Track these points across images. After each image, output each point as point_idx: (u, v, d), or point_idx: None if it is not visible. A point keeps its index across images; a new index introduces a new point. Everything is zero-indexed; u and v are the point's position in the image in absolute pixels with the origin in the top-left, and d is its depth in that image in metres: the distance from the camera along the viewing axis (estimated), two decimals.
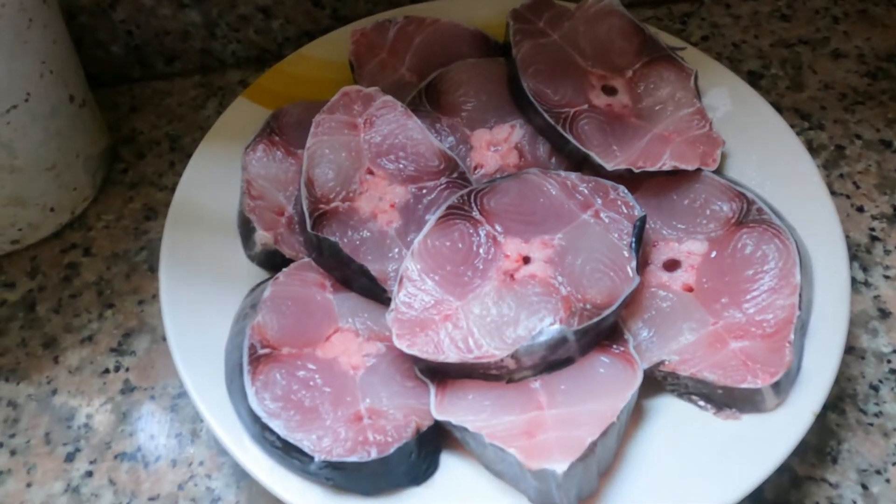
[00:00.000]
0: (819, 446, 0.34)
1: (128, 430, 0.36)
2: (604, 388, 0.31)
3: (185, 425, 0.36)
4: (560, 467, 0.27)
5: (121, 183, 0.45)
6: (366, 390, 0.31)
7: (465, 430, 0.30)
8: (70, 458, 0.35)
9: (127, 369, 0.38)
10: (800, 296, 0.33)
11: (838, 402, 0.36)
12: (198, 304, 0.35)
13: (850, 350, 0.37)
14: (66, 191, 0.42)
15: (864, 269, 0.40)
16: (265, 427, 0.29)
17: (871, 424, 0.35)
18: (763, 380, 0.30)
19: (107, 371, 0.38)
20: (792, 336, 0.32)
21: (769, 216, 0.36)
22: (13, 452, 0.35)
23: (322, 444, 0.29)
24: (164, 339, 0.39)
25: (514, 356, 0.31)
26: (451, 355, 0.31)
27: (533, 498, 0.29)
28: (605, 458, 0.30)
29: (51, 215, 0.42)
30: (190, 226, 0.38)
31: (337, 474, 0.29)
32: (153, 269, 0.41)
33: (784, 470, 0.34)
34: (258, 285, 0.36)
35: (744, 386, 0.31)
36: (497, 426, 0.30)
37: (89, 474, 0.35)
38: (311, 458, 0.28)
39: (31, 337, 0.39)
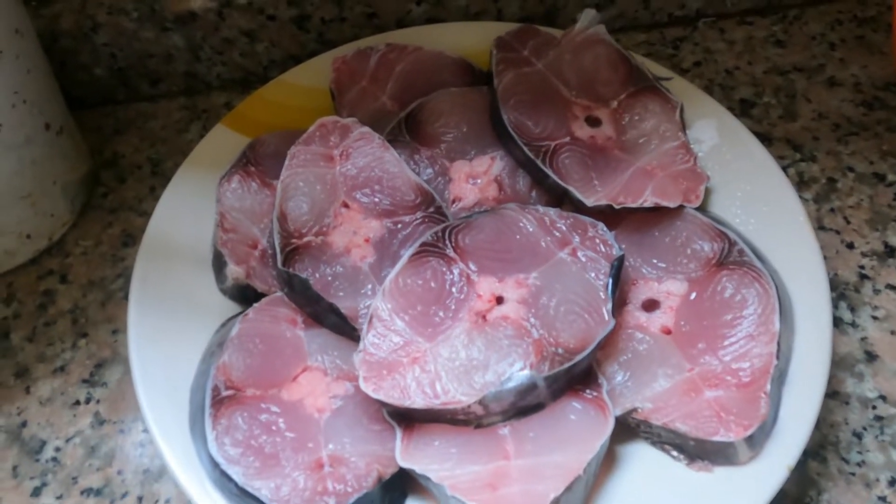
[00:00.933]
0: (798, 496, 0.33)
1: (95, 465, 0.36)
2: (574, 436, 0.30)
3: (154, 461, 0.36)
4: None
5: (101, 207, 0.45)
6: (329, 435, 0.31)
7: (429, 479, 0.29)
8: (37, 492, 0.35)
9: (98, 401, 0.38)
10: (778, 344, 0.32)
11: (820, 449, 0.35)
12: (167, 339, 0.34)
13: (834, 395, 0.36)
14: (44, 217, 0.41)
15: (852, 310, 0.39)
16: (223, 474, 0.29)
17: (853, 474, 0.34)
18: (736, 433, 0.30)
19: (77, 403, 0.38)
20: (768, 387, 0.31)
21: (750, 259, 0.35)
22: None
23: (280, 493, 0.28)
24: None
25: (481, 402, 0.31)
26: (417, 401, 0.31)
27: None
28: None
29: (27, 242, 0.41)
30: (163, 256, 0.37)
31: None
32: (128, 297, 0.41)
33: None
34: (228, 320, 0.35)
35: (716, 439, 0.30)
36: (461, 476, 0.29)
37: None
38: None
39: (4, 366, 0.39)
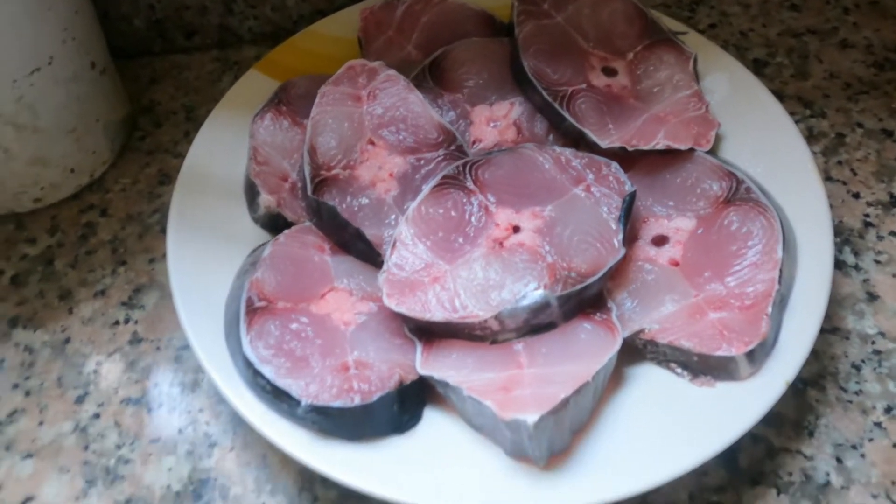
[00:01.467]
0: (796, 420, 0.35)
1: (134, 378, 0.38)
2: (584, 351, 0.32)
3: (188, 375, 0.38)
4: (531, 418, 0.28)
5: (138, 150, 0.47)
6: (355, 344, 0.33)
7: (447, 384, 0.31)
8: (80, 400, 0.37)
9: (136, 322, 0.40)
10: (780, 271, 0.34)
11: (819, 379, 0.36)
12: (202, 261, 0.37)
13: (835, 330, 0.38)
14: (86, 154, 0.44)
15: (856, 254, 0.41)
16: (257, 373, 0.31)
17: (851, 402, 0.36)
18: (738, 348, 0.31)
19: (117, 323, 0.40)
20: (770, 309, 0.32)
21: (757, 195, 0.36)
22: (27, 393, 0.38)
23: (309, 389, 0.30)
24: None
25: (497, 317, 0.33)
26: (437, 314, 0.33)
27: (508, 450, 0.30)
28: (578, 416, 0.31)
29: (71, 176, 0.44)
30: (198, 188, 0.39)
31: (322, 419, 0.30)
32: (165, 231, 0.43)
33: (760, 441, 0.35)
34: (260, 246, 0.38)
35: (719, 354, 0.32)
36: (476, 381, 0.31)
37: (97, 416, 0.37)
38: (298, 402, 0.30)
39: (48, 289, 0.41)
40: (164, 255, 0.42)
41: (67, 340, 0.40)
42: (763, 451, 0.34)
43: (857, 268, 0.40)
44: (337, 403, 0.30)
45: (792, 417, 0.35)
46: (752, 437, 0.35)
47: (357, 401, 0.30)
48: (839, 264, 0.40)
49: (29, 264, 0.43)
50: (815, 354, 0.37)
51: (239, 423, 0.36)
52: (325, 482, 0.34)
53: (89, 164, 0.44)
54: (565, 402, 0.29)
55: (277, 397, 0.31)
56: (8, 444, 0.36)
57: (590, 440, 0.31)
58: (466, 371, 0.32)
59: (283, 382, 0.31)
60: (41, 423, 0.37)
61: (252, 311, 0.33)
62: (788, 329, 0.33)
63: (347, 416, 0.30)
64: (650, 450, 0.30)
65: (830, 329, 0.38)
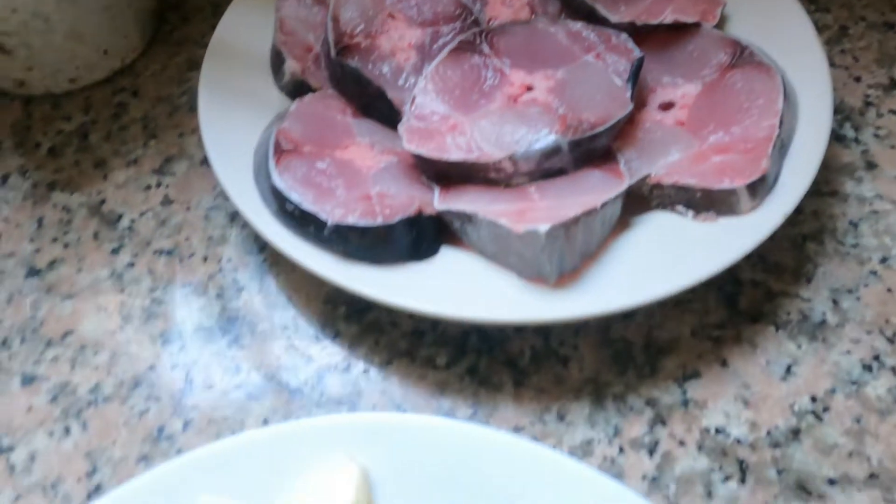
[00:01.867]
0: (795, 268, 0.37)
1: (166, 233, 0.40)
2: (592, 189, 0.34)
3: (216, 231, 0.40)
4: (543, 227, 0.30)
5: (167, 41, 0.49)
6: (376, 182, 0.35)
7: (463, 212, 0.33)
8: (115, 251, 0.40)
9: (167, 186, 0.42)
10: (781, 120, 0.35)
11: (818, 234, 0.38)
12: (232, 121, 0.39)
13: (834, 193, 0.40)
14: (119, 36, 0.46)
15: (856, 129, 0.42)
16: (285, 199, 0.33)
17: (848, 253, 0.37)
18: (739, 181, 0.33)
19: (149, 187, 0.42)
20: (770, 150, 0.34)
21: (760, 57, 0.38)
22: (66, 245, 0.40)
23: (334, 213, 0.32)
24: (202, 163, 0.43)
25: (511, 158, 0.34)
26: (454, 155, 0.35)
27: (522, 272, 0.32)
28: (587, 241, 0.33)
29: (104, 58, 0.46)
30: (227, 60, 0.42)
31: (346, 239, 0.32)
32: (193, 109, 0.45)
33: (759, 285, 0.36)
34: (286, 110, 0.40)
35: (721, 187, 0.33)
36: (491, 210, 0.33)
37: (131, 265, 0.39)
38: (325, 223, 0.32)
39: (84, 159, 0.44)
40: (193, 130, 0.45)
41: (102, 202, 0.42)
42: (762, 294, 0.36)
43: (856, 140, 0.42)
44: (361, 222, 0.32)
45: (791, 266, 0.37)
46: (751, 283, 0.36)
47: (380, 220, 0.32)
48: (839, 138, 0.42)
49: (65, 138, 0.45)
50: (815, 214, 0.39)
51: (266, 271, 0.38)
52: (347, 319, 0.36)
53: (121, 48, 0.47)
54: (575, 220, 0.31)
55: (304, 221, 0.33)
56: (49, 288, 0.39)
57: (597, 264, 0.33)
58: (481, 203, 0.34)
59: (310, 207, 0.33)
60: (79, 270, 0.39)
61: (280, 151, 0.35)
62: (788, 172, 0.35)
63: (370, 236, 0.32)
64: (654, 270, 0.32)
65: (830, 192, 0.40)
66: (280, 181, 0.34)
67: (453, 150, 0.35)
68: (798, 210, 0.38)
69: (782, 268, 0.37)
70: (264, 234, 0.34)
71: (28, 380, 0.36)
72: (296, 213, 0.33)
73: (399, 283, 0.32)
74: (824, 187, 0.40)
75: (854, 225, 0.38)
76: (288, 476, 0.29)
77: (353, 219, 0.32)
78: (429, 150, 0.35)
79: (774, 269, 0.37)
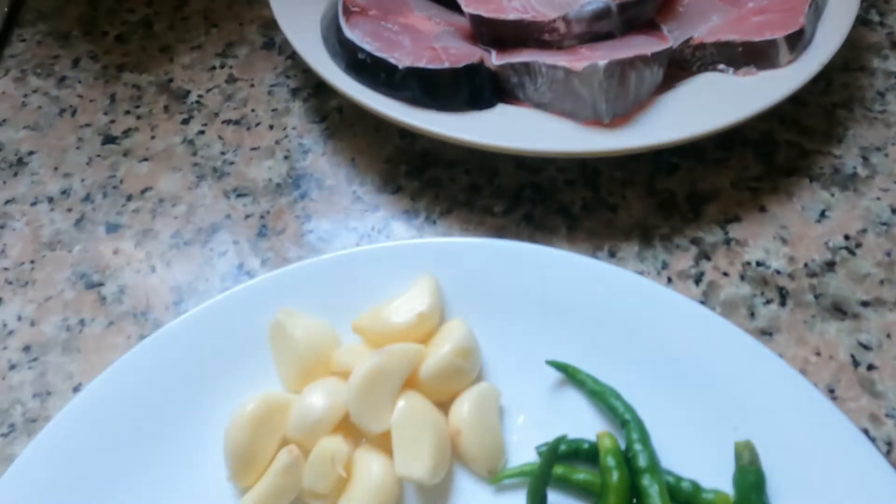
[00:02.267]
0: (827, 130, 0.39)
1: (232, 106, 0.43)
2: (641, 47, 0.37)
3: (281, 104, 0.43)
4: (602, 62, 0.33)
5: None
6: (439, 39, 0.37)
7: (522, 63, 0.36)
8: (185, 122, 0.42)
9: (230, 67, 0.45)
10: None
11: (847, 102, 0.41)
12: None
13: (862, 69, 0.42)
14: None
15: (881, 14, 0.45)
16: (358, 49, 0.36)
17: (876, 118, 0.40)
18: (779, 33, 0.36)
19: (213, 68, 0.45)
20: (806, 9, 0.37)
21: None
22: (139, 117, 0.42)
23: (404, 59, 0.35)
24: (262, 47, 0.45)
25: (564, 18, 0.37)
26: (510, 15, 0.37)
27: (579, 114, 0.35)
28: (639, 87, 0.35)
29: None
30: None
31: (416, 84, 0.35)
32: (251, 2, 0.48)
33: (794, 145, 0.39)
34: None
35: (761, 39, 0.36)
36: (549, 58, 0.35)
37: (202, 132, 0.42)
38: (396, 66, 0.35)
39: (150, 45, 0.46)
40: (251, 20, 0.47)
41: (170, 80, 0.44)
42: (797, 152, 0.39)
43: (881, 24, 0.44)
44: (431, 65, 0.34)
45: (823, 128, 0.39)
46: (786, 143, 0.39)
47: (447, 65, 0.35)
48: (866, 22, 0.44)
49: (130, 28, 0.47)
50: (844, 86, 0.41)
51: (329, 136, 0.41)
52: (408, 175, 0.39)
53: None
54: (631, 61, 0.34)
55: (376, 68, 0.35)
56: (125, 152, 0.41)
57: (647, 112, 0.35)
58: (537, 58, 0.36)
59: (382, 54, 0.35)
60: (153, 137, 0.42)
61: (348, 12, 0.38)
62: (823, 32, 0.37)
63: (437, 79, 0.35)
64: (700, 112, 0.35)
65: (858, 68, 0.42)
66: (351, 34, 0.36)
67: (510, 11, 0.37)
68: (828, 82, 0.41)
69: (815, 130, 0.39)
70: (337, 86, 0.36)
71: (113, 227, 0.38)
72: (368, 60, 0.35)
73: (464, 125, 0.35)
74: (853, 63, 0.42)
75: (881, 94, 0.41)
76: (365, 293, 0.32)
77: (422, 63, 0.35)
78: (487, 11, 0.37)
79: (807, 131, 0.39)
